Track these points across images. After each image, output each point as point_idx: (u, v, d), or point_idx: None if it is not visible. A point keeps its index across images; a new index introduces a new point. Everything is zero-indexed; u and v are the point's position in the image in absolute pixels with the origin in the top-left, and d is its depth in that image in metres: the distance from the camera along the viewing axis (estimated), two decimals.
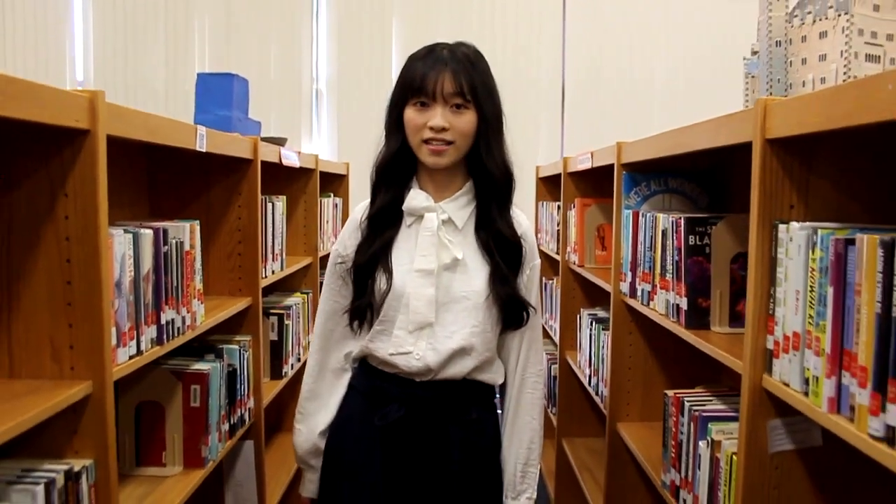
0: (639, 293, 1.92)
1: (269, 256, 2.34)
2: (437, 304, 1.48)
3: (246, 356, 2.09)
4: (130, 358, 1.36)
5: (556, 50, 5.03)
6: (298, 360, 2.72)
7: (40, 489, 1.06)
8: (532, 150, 4.86)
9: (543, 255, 3.58)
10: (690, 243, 1.58)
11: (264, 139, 2.26)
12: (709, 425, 1.45)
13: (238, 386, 2.01)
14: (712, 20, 4.76)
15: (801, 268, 1.06)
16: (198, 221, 1.71)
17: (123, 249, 1.32)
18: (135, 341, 1.37)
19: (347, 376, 1.62)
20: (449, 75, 1.43)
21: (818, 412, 1.00)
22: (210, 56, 4.92)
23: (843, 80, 1.36)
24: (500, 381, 1.61)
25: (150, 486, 1.66)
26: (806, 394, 1.05)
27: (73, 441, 1.21)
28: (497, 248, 1.50)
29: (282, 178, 2.79)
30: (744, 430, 1.22)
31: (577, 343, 2.83)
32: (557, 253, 3.19)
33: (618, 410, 2.17)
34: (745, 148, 1.20)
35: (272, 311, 2.54)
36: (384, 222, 1.54)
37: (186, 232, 1.62)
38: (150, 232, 1.43)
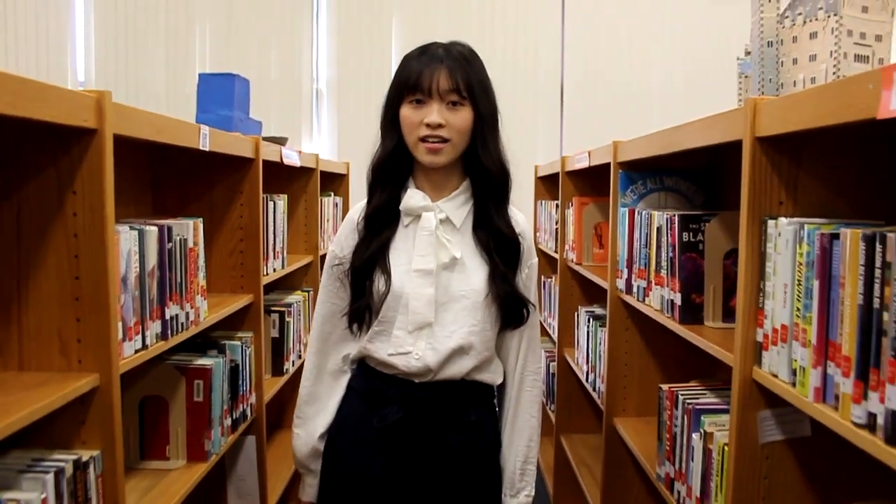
0: (634, 289, 1.95)
1: (271, 254, 2.37)
2: (436, 303, 1.48)
3: (248, 352, 2.12)
4: (136, 352, 1.39)
5: (555, 50, 5.06)
6: (299, 357, 2.75)
7: (50, 478, 1.09)
8: (531, 149, 4.89)
9: (542, 253, 3.61)
10: (684, 240, 1.61)
11: (265, 139, 2.29)
12: (702, 418, 1.48)
13: (240, 381, 2.04)
14: (709, 21, 4.79)
15: (788, 262, 1.09)
16: (201, 219, 1.74)
17: (129, 246, 1.35)
18: (140, 336, 1.40)
19: (346, 378, 1.61)
20: (444, 72, 1.42)
21: (805, 402, 1.03)
22: (211, 57, 4.95)
23: (833, 80, 1.40)
24: (500, 380, 1.60)
25: (154, 479, 1.69)
26: (793, 384, 1.08)
27: (81, 432, 1.24)
28: (495, 247, 1.50)
29: (283, 178, 2.82)
30: (735, 421, 1.25)
31: (575, 340, 2.87)
32: (556, 251, 3.22)
33: (614, 406, 2.20)
34: (739, 146, 1.23)
35: (273, 308, 2.57)
36: (381, 223, 1.53)
37: (190, 229, 1.65)
38: (154, 229, 1.46)
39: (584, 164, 2.58)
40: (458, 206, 1.52)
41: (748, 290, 1.21)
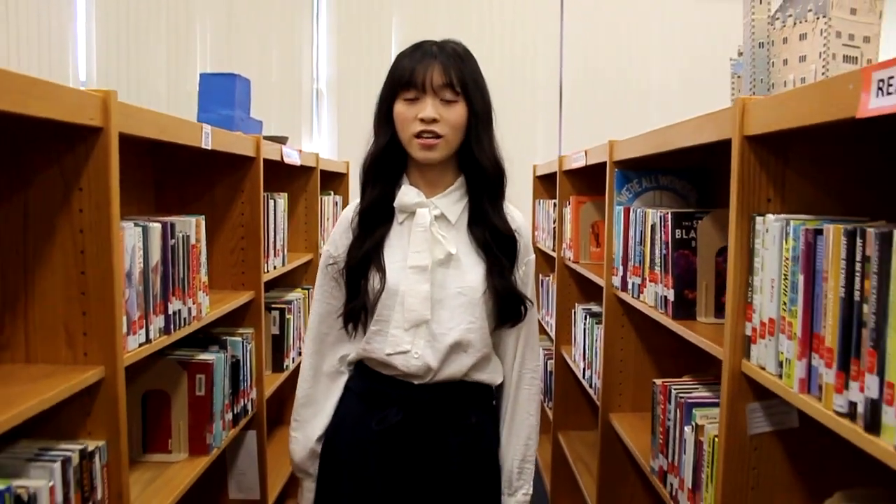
0: (629, 286, 1.98)
1: (272, 252, 2.40)
2: (432, 300, 1.47)
3: (249, 348, 2.15)
4: (140, 346, 1.42)
5: (554, 50, 5.10)
6: (299, 353, 2.78)
7: (57, 466, 1.12)
8: (529, 149, 4.92)
9: (540, 252, 3.64)
10: (677, 237, 1.64)
11: (266, 138, 2.32)
12: (693, 411, 1.51)
13: (241, 377, 2.07)
14: (708, 20, 4.83)
15: (775, 257, 1.12)
16: (203, 216, 1.77)
17: (133, 242, 1.38)
18: (144, 330, 1.43)
19: (343, 379, 1.60)
20: (438, 68, 1.42)
21: (791, 393, 1.07)
22: (211, 56, 4.98)
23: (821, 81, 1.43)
24: (499, 380, 1.58)
25: (156, 472, 1.72)
26: (780, 376, 1.11)
27: (87, 423, 1.27)
28: (492, 244, 1.49)
29: (283, 176, 2.85)
30: (724, 413, 1.28)
31: (573, 338, 2.90)
32: (553, 250, 3.25)
33: (610, 402, 2.24)
34: (731, 145, 1.26)
35: (274, 305, 2.60)
36: (375, 220, 1.51)
37: (192, 226, 1.68)
38: (158, 225, 1.49)
39: (580, 163, 2.61)
40: (453, 203, 1.51)
41: (737, 285, 1.24)
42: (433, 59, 1.43)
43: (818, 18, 1.42)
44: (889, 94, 0.78)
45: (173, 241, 1.57)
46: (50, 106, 1.07)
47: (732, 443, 1.27)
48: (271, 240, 2.40)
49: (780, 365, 1.11)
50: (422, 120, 1.42)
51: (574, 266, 2.83)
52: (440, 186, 1.52)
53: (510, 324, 1.55)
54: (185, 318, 1.65)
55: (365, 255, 1.49)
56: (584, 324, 2.61)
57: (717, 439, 1.34)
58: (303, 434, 1.60)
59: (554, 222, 3.25)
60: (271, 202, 2.40)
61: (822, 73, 1.44)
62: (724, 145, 1.29)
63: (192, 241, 1.68)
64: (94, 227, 1.25)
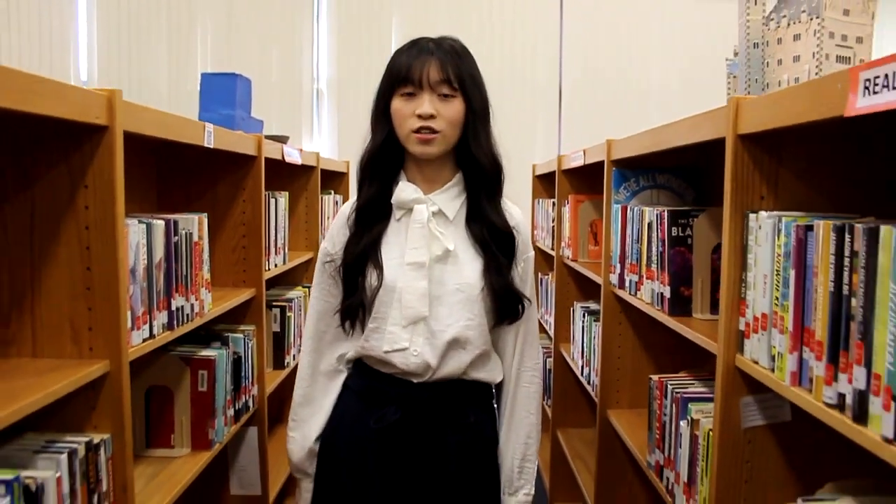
0: (627, 284, 2.01)
1: (273, 250, 2.42)
2: (430, 297, 1.46)
3: (250, 345, 2.17)
4: (143, 341, 1.44)
5: (554, 50, 5.12)
6: (300, 351, 2.79)
7: (63, 458, 1.14)
8: (529, 148, 4.95)
9: (539, 251, 3.67)
10: (673, 235, 1.66)
11: (267, 137, 2.34)
12: (689, 406, 1.53)
13: (242, 373, 2.09)
14: (708, 19, 4.85)
15: (768, 253, 1.14)
16: (206, 214, 1.79)
17: (138, 239, 1.40)
18: (148, 325, 1.46)
19: (342, 378, 1.59)
20: (435, 63, 1.42)
21: (782, 385, 1.09)
22: (212, 56, 5.00)
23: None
24: (499, 378, 1.57)
25: (159, 466, 1.74)
26: (772, 370, 1.13)
27: (92, 416, 1.29)
28: (490, 240, 1.48)
29: (284, 176, 2.87)
30: (718, 407, 1.30)
31: (571, 336, 2.92)
32: (552, 249, 3.27)
33: (608, 398, 2.26)
34: (725, 144, 1.28)
35: (275, 303, 2.62)
36: (372, 217, 1.51)
37: (195, 224, 1.70)
38: (161, 223, 1.52)
39: (579, 162, 2.63)
40: (451, 199, 1.51)
41: (731, 281, 1.26)
42: (430, 55, 1.43)
43: (812, 19, 1.44)
44: (875, 93, 0.81)
45: (176, 238, 1.59)
46: (57, 105, 1.10)
47: (726, 436, 1.29)
48: (272, 238, 2.42)
49: (773, 359, 1.13)
50: (419, 116, 1.42)
51: (572, 265, 2.85)
52: (438, 183, 1.51)
53: (509, 321, 1.54)
54: (187, 315, 1.67)
55: (362, 252, 1.49)
56: (583, 322, 2.63)
57: (711, 433, 1.36)
58: (301, 433, 1.59)
59: (553, 221, 3.28)
60: (272, 201, 2.42)
61: (816, 73, 1.46)
62: (720, 144, 1.31)
63: (195, 238, 1.71)
64: (100, 224, 1.27)
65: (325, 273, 1.57)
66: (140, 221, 1.42)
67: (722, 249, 1.29)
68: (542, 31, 5.10)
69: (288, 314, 2.65)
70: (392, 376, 1.50)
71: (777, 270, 1.11)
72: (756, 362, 1.19)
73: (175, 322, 1.60)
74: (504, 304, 1.51)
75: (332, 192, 3.53)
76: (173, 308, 1.58)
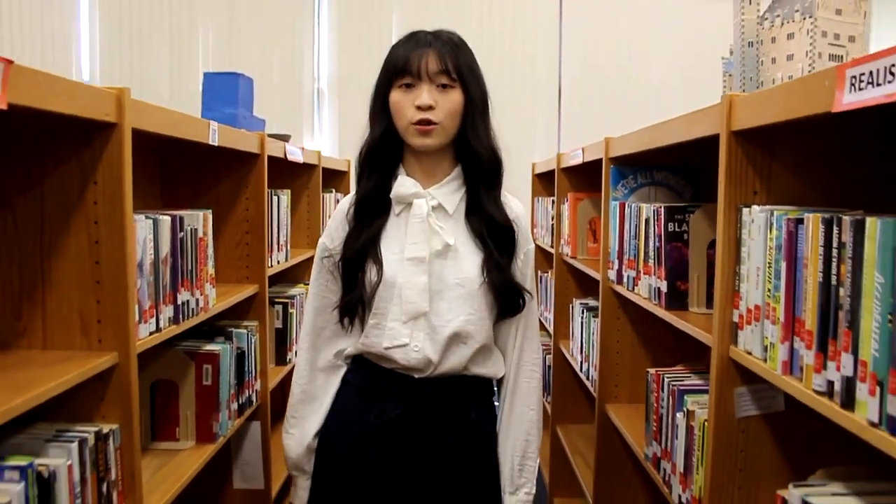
0: (625, 279, 2.04)
1: (275, 247, 2.45)
2: (430, 292, 1.45)
3: (253, 340, 2.20)
4: (150, 334, 1.47)
5: (553, 48, 5.15)
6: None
7: (74, 446, 1.17)
8: (529, 147, 4.98)
9: (539, 248, 3.70)
10: (670, 230, 1.69)
11: (270, 136, 2.37)
12: (685, 397, 1.56)
13: (246, 368, 2.12)
14: (707, 18, 4.88)
15: (760, 247, 1.17)
16: (210, 210, 1.83)
17: (145, 234, 1.43)
18: (154, 319, 1.49)
19: (340, 373, 1.58)
20: (433, 54, 1.42)
21: (774, 375, 1.12)
22: (214, 56, 5.04)
23: None
24: (501, 373, 1.57)
25: (164, 459, 1.77)
26: (765, 360, 1.16)
27: (101, 407, 1.32)
28: (489, 234, 1.47)
29: (286, 174, 2.90)
30: (713, 397, 1.33)
31: (570, 332, 2.95)
32: (552, 246, 3.30)
33: (606, 393, 2.29)
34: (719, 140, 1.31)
35: (277, 300, 2.65)
36: (371, 212, 1.50)
37: (200, 220, 1.74)
38: (168, 218, 1.55)
39: (578, 160, 2.66)
40: (450, 193, 1.50)
41: (725, 274, 1.29)
42: (428, 47, 1.43)
43: (805, 19, 1.47)
44: (861, 89, 0.84)
45: (182, 233, 1.62)
46: (69, 102, 1.13)
47: (721, 426, 1.32)
48: (275, 235, 2.45)
49: (765, 349, 1.16)
50: (418, 107, 1.41)
51: (572, 262, 2.88)
52: (437, 176, 1.50)
53: (509, 315, 1.54)
54: (192, 309, 1.70)
55: (361, 248, 1.48)
56: (582, 318, 2.66)
57: (706, 423, 1.39)
58: (299, 430, 1.59)
59: (552, 219, 3.31)
60: (275, 198, 2.45)
61: (809, 71, 1.49)
62: (716, 141, 1.34)
63: (200, 234, 1.74)
64: (108, 219, 1.30)
65: (324, 268, 1.56)
66: (147, 217, 1.45)
67: (717, 243, 1.31)
68: (542, 30, 5.13)
69: (290, 310, 2.68)
70: (393, 371, 1.50)
71: (769, 263, 1.14)
72: (749, 353, 1.22)
73: (181, 316, 1.63)
74: (505, 300, 1.50)
75: (333, 190, 3.56)
76: (179, 302, 1.61)
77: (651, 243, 1.79)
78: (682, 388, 1.61)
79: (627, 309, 2.20)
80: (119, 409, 1.33)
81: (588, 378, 2.58)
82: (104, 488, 1.26)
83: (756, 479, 1.33)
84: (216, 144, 1.80)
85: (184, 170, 2.16)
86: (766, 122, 1.13)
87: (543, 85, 5.14)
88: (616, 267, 2.12)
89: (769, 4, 1.60)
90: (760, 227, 1.17)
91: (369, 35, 5.05)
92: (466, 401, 1.52)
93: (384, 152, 1.49)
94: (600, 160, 2.27)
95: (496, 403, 1.61)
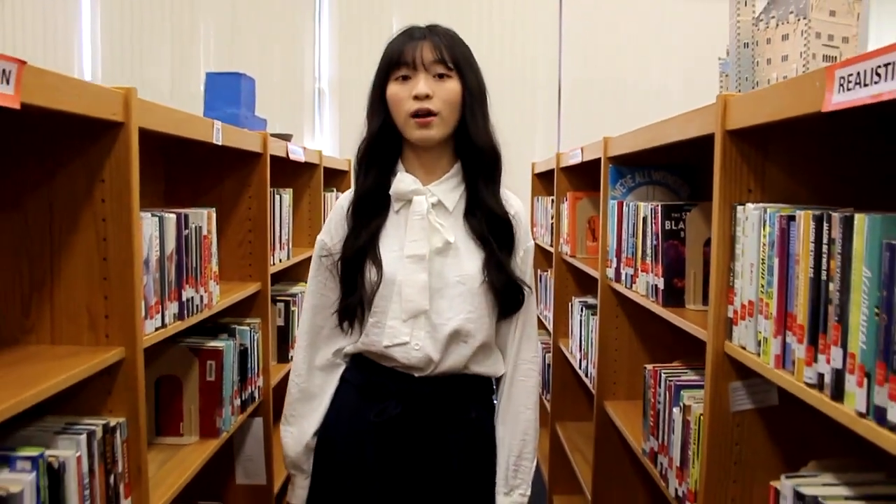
0: (623, 277, 2.06)
1: (277, 245, 2.48)
2: (430, 290, 1.44)
3: (256, 337, 2.22)
4: (156, 330, 1.49)
5: (553, 50, 5.18)
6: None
7: (83, 439, 1.20)
8: (529, 147, 5.01)
9: (539, 248, 3.72)
10: (667, 228, 1.72)
11: (272, 135, 2.39)
12: (681, 392, 1.58)
13: (249, 365, 2.15)
14: (705, 20, 4.90)
15: (754, 243, 1.20)
16: (214, 209, 1.85)
17: (151, 231, 1.45)
18: (160, 315, 1.51)
19: (339, 371, 1.58)
20: (428, 44, 1.43)
21: (767, 368, 1.14)
22: (215, 56, 5.06)
23: None
24: (500, 372, 1.56)
25: (169, 453, 1.79)
26: (758, 354, 1.19)
27: (108, 401, 1.35)
28: (489, 230, 1.47)
29: (288, 173, 2.92)
30: (708, 392, 1.36)
31: (570, 330, 2.98)
32: (551, 245, 3.33)
33: (605, 390, 2.31)
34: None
35: (279, 298, 2.68)
36: (370, 210, 1.49)
37: (204, 218, 1.76)
38: (173, 216, 1.57)
39: (577, 159, 2.69)
40: (450, 190, 1.49)
41: (720, 271, 1.32)
42: (423, 38, 1.44)
43: (799, 20, 1.49)
44: (849, 90, 0.86)
45: (187, 231, 1.65)
46: (78, 102, 1.15)
47: (716, 420, 1.35)
48: (277, 234, 2.47)
49: (759, 343, 1.19)
50: (416, 98, 1.41)
51: (571, 260, 2.91)
52: (437, 172, 1.50)
53: (510, 313, 1.54)
54: (197, 306, 1.72)
55: (360, 249, 1.47)
56: (581, 316, 2.69)
57: (702, 418, 1.42)
58: (298, 429, 1.58)
59: (552, 218, 3.33)
60: (277, 197, 2.47)
61: (804, 72, 1.52)
62: (712, 141, 1.37)
63: (204, 231, 1.76)
64: (116, 217, 1.32)
65: (322, 266, 1.56)
66: (153, 215, 1.48)
67: (712, 240, 1.34)
68: (542, 31, 5.16)
69: (292, 308, 2.70)
70: (393, 370, 1.49)
71: (763, 259, 1.17)
72: (744, 348, 1.24)
73: (185, 312, 1.65)
74: (506, 299, 1.50)
75: (335, 189, 3.58)
76: (184, 299, 1.64)
77: (649, 241, 1.82)
78: (678, 383, 1.64)
79: (626, 307, 2.22)
80: (126, 403, 1.35)
81: (587, 375, 2.60)
82: (111, 480, 1.28)
83: (751, 471, 1.36)
84: (220, 144, 1.83)
85: (186, 168, 2.19)
86: (759, 121, 1.16)
87: (543, 85, 5.16)
88: (614, 265, 2.15)
89: (764, 6, 1.63)
90: (754, 224, 1.20)
91: (370, 35, 5.08)
92: (466, 400, 1.52)
93: (383, 148, 1.48)
94: (599, 160, 2.30)
95: (496, 402, 1.60)
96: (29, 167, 1.32)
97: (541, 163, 3.89)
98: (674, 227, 1.71)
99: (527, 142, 5.07)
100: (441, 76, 1.42)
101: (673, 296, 1.72)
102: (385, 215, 1.50)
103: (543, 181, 3.90)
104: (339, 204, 1.56)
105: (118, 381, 1.35)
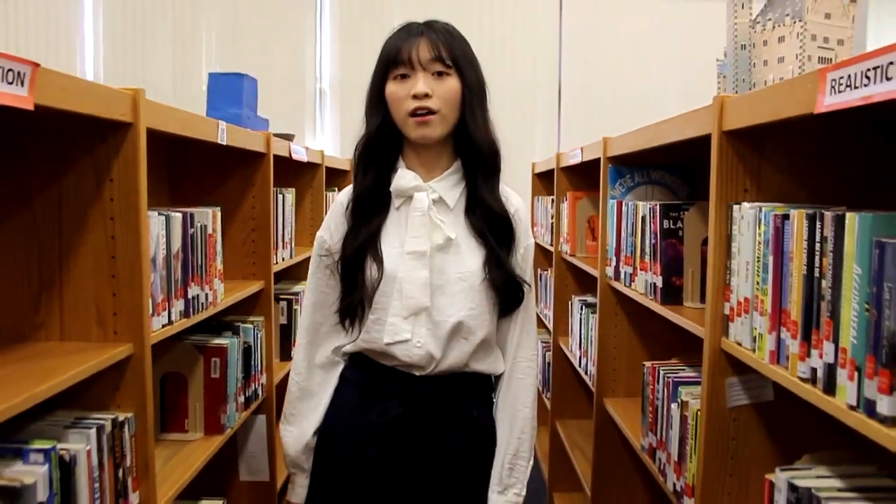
0: (622, 276, 2.09)
1: (280, 244, 2.51)
2: (431, 287, 1.44)
3: (259, 335, 2.25)
4: (163, 327, 1.52)
5: (553, 50, 5.21)
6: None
7: (93, 433, 1.22)
8: (529, 147, 5.03)
9: (539, 247, 3.75)
10: (665, 227, 1.75)
11: (275, 135, 2.42)
12: (679, 389, 1.61)
13: (252, 362, 2.17)
14: (705, 21, 4.92)
15: (750, 242, 1.22)
16: (219, 208, 1.88)
17: (157, 230, 1.48)
18: (166, 312, 1.54)
19: (338, 369, 1.58)
20: (426, 42, 1.41)
21: (762, 364, 1.17)
22: (217, 56, 5.09)
23: None
24: (501, 370, 1.55)
25: (174, 449, 1.82)
26: (754, 350, 1.21)
27: (116, 396, 1.38)
28: (489, 228, 1.46)
29: (290, 173, 2.95)
30: (705, 387, 1.38)
31: (570, 328, 3.00)
32: (551, 244, 3.36)
33: (604, 387, 2.34)
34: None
35: (281, 296, 2.70)
36: (370, 208, 1.48)
37: (209, 217, 1.79)
38: (179, 215, 1.60)
39: (577, 159, 2.71)
40: (450, 187, 1.48)
41: (717, 269, 1.34)
42: (420, 36, 1.43)
43: (795, 23, 1.52)
44: (840, 92, 0.89)
45: (192, 230, 1.68)
46: (87, 102, 1.18)
47: (713, 415, 1.38)
48: (280, 233, 2.50)
49: (754, 340, 1.21)
50: (414, 96, 1.40)
51: (571, 259, 2.93)
52: (437, 169, 1.49)
53: (510, 311, 1.53)
54: (202, 304, 1.75)
55: (361, 246, 1.46)
56: (581, 314, 2.71)
57: (699, 413, 1.44)
58: (298, 428, 1.58)
59: (552, 218, 3.36)
60: (280, 197, 2.50)
61: (799, 73, 1.54)
62: (709, 141, 1.39)
63: (209, 230, 1.79)
64: (124, 215, 1.35)
65: (322, 264, 1.55)
66: (160, 214, 1.50)
67: (709, 239, 1.37)
68: (542, 32, 5.19)
69: (294, 307, 2.73)
70: (393, 369, 1.49)
71: (758, 257, 1.19)
72: (739, 344, 1.27)
73: (191, 310, 1.68)
74: (506, 296, 1.50)
75: (336, 189, 3.61)
76: (190, 296, 1.66)
77: (647, 240, 1.84)
78: (676, 379, 1.66)
79: (625, 305, 2.25)
80: (134, 398, 1.38)
81: (587, 373, 2.63)
82: (120, 474, 1.31)
83: (747, 466, 1.38)
84: (225, 144, 1.85)
85: (190, 168, 2.21)
86: (755, 122, 1.18)
87: (543, 85, 5.19)
88: (614, 264, 2.18)
89: (761, 9, 1.66)
90: (750, 223, 1.22)
91: (371, 35, 5.10)
92: (467, 398, 1.52)
93: (382, 147, 1.48)
94: (599, 160, 2.32)
95: (494, 400, 1.60)
96: (39, 167, 1.35)
97: (541, 163, 3.92)
98: (672, 227, 1.74)
99: (527, 142, 5.10)
100: (440, 74, 1.42)
101: (671, 294, 1.74)
102: (385, 213, 1.50)
103: (543, 181, 3.92)
104: (338, 201, 1.56)
105: (126, 377, 1.38)
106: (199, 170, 2.22)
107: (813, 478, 1.08)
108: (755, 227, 1.20)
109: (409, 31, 1.45)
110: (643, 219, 1.87)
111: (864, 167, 1.32)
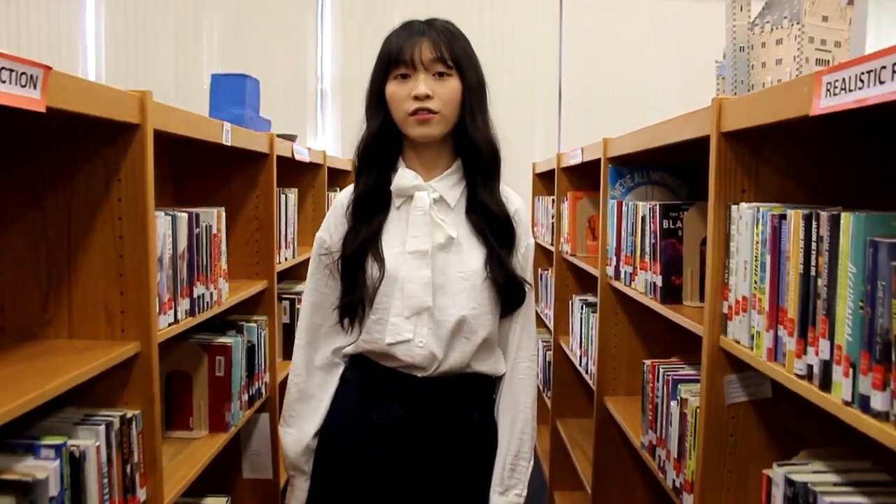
0: (622, 275, 2.11)
1: (283, 244, 2.53)
2: (433, 286, 1.43)
3: (263, 334, 2.27)
4: (169, 325, 1.54)
5: (553, 51, 5.23)
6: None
7: (102, 429, 1.24)
8: (529, 147, 5.06)
9: (539, 247, 3.77)
10: (665, 227, 1.77)
11: (277, 136, 2.44)
12: (679, 386, 1.63)
13: (256, 361, 2.20)
14: (705, 22, 4.94)
15: (748, 241, 1.24)
16: (223, 208, 1.90)
17: (164, 230, 1.50)
18: (173, 311, 1.56)
19: (338, 371, 1.57)
20: (427, 42, 1.40)
21: (760, 361, 1.19)
22: (218, 57, 5.11)
23: None
24: (502, 370, 1.55)
25: (179, 447, 1.84)
26: (752, 348, 1.24)
27: (124, 394, 1.40)
28: (489, 228, 1.46)
29: (292, 173, 2.97)
30: (704, 385, 1.40)
31: (570, 328, 3.02)
32: (552, 244, 3.38)
33: (605, 386, 2.36)
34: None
35: (284, 295, 2.72)
36: (371, 208, 1.47)
37: (214, 217, 1.81)
38: (185, 215, 1.62)
39: (577, 160, 2.73)
40: (451, 186, 1.48)
41: (715, 268, 1.36)
42: (422, 35, 1.42)
43: (793, 25, 1.54)
44: (835, 95, 0.91)
45: (198, 230, 1.70)
46: (96, 104, 1.20)
47: (712, 412, 1.39)
48: (283, 232, 2.52)
49: (752, 337, 1.23)
50: (415, 97, 1.40)
51: (571, 259, 2.95)
52: (437, 169, 1.49)
53: (511, 310, 1.53)
54: (207, 303, 1.77)
55: (361, 245, 1.46)
56: (581, 313, 2.73)
57: (698, 410, 1.46)
58: (297, 429, 1.57)
59: (552, 218, 3.38)
60: (283, 197, 2.52)
61: (797, 75, 1.56)
62: (708, 142, 1.41)
63: (214, 230, 1.81)
64: (132, 215, 1.37)
65: (321, 264, 1.55)
66: (166, 214, 1.52)
67: (707, 239, 1.39)
68: (543, 32, 5.21)
69: (297, 306, 2.75)
70: (395, 370, 1.48)
71: (756, 257, 1.22)
72: (738, 342, 1.29)
73: (196, 309, 1.70)
74: (508, 295, 1.49)
75: (338, 189, 3.63)
76: (195, 296, 1.68)
77: (647, 240, 1.86)
78: (675, 377, 1.68)
79: (625, 304, 2.27)
80: (141, 395, 1.40)
81: (587, 372, 2.65)
82: (128, 470, 1.33)
83: (745, 461, 1.40)
84: (230, 144, 1.87)
85: (194, 168, 2.23)
86: (752, 124, 1.20)
87: (543, 86, 5.22)
88: (614, 263, 2.20)
89: (759, 11, 1.68)
90: (748, 223, 1.24)
91: (372, 36, 5.07)
92: (469, 400, 1.52)
93: (382, 146, 1.48)
94: (599, 160, 2.34)
95: (496, 401, 1.60)
96: (47, 167, 1.37)
97: (541, 163, 3.94)
98: (671, 226, 1.76)
99: (527, 142, 5.12)
100: (441, 75, 1.41)
101: (671, 293, 1.76)
102: (386, 213, 1.49)
103: (544, 181, 3.94)
104: (338, 201, 1.55)
105: (133, 375, 1.40)
106: (202, 170, 2.24)
107: (809, 473, 1.10)
108: (753, 226, 1.22)
109: (411, 30, 1.44)
110: (643, 219, 1.89)
111: (861, 169, 1.34)
